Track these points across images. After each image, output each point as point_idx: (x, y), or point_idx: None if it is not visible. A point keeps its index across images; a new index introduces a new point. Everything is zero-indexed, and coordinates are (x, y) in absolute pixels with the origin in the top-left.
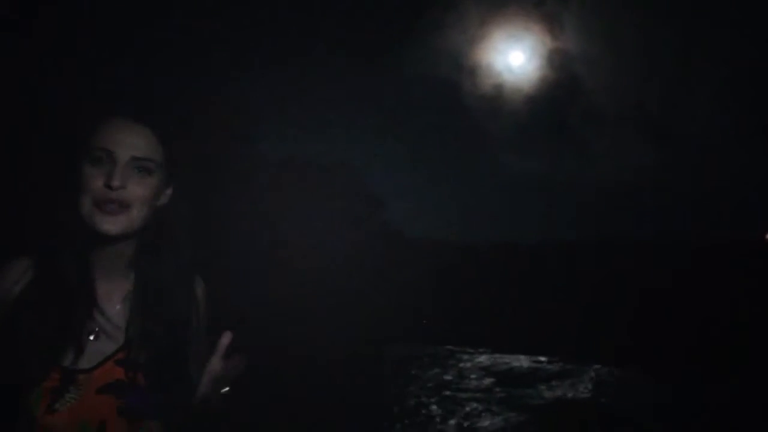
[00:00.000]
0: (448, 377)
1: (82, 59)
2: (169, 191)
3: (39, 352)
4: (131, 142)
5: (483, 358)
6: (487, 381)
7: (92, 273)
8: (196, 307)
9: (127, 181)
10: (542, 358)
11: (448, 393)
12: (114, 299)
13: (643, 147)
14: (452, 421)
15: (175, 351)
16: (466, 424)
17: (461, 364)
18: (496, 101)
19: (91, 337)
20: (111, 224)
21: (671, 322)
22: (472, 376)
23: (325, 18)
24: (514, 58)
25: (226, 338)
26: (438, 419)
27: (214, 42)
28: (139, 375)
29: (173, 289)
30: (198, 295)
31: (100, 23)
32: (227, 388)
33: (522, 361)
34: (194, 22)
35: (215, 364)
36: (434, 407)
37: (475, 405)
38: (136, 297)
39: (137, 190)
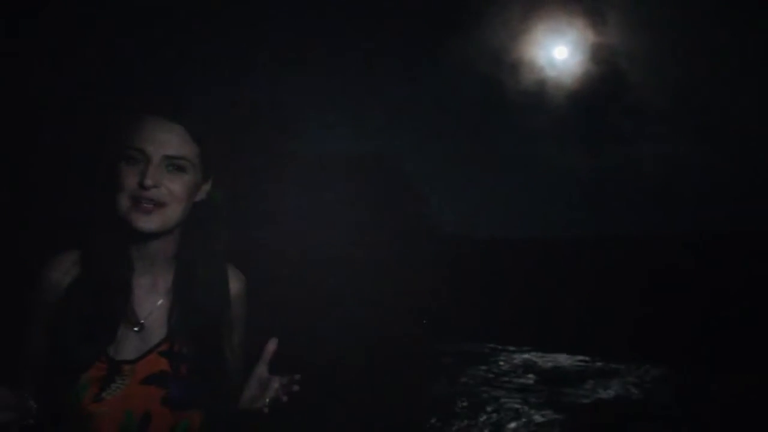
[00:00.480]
0: (488, 375)
1: (104, 59)
2: (206, 187)
3: (84, 342)
4: (164, 141)
5: (526, 356)
6: (529, 379)
7: (133, 267)
8: (231, 300)
9: (161, 179)
10: (588, 357)
11: (486, 389)
12: (158, 292)
13: (687, 144)
14: (488, 417)
15: (211, 344)
16: (502, 421)
17: (502, 362)
18: (538, 96)
19: (136, 329)
20: (147, 222)
21: (726, 322)
22: (514, 373)
23: (365, 11)
24: (557, 52)
25: (272, 344)
26: (474, 415)
27: (248, 37)
28: (182, 366)
29: (207, 283)
30: (232, 289)
31: (126, 22)
32: (267, 404)
33: (567, 360)
34: (228, 17)
35: (262, 370)
36: (471, 403)
37: (513, 402)
38: (176, 290)
39: (172, 188)
